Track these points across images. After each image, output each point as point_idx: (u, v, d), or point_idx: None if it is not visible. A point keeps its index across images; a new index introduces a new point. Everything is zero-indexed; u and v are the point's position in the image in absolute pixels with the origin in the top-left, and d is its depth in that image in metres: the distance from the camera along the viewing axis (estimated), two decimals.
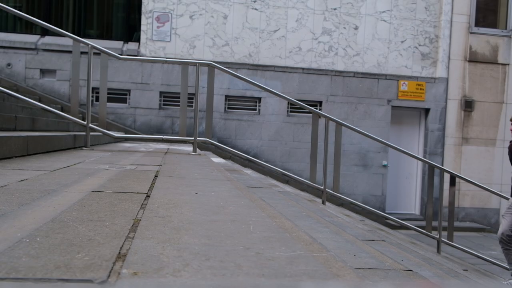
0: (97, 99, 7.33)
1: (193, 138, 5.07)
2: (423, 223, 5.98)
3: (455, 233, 5.69)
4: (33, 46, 8.07)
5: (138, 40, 8.49)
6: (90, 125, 4.75)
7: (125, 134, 7.49)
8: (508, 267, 4.61)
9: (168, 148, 5.95)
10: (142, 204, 1.69)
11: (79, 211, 1.49)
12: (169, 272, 0.91)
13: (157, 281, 0.86)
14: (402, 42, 9.00)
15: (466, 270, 4.52)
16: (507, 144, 9.27)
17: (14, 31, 8.52)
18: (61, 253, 0.99)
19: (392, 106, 8.94)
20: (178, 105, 6.21)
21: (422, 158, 6.40)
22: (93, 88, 5.41)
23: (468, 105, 9.16)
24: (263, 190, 2.90)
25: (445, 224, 5.59)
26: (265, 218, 1.63)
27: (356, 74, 8.85)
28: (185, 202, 1.81)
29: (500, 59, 9.29)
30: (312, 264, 1.05)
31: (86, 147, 4.72)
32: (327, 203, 5.50)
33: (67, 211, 1.48)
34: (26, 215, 1.38)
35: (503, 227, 4.50)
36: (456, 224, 7.58)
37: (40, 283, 0.81)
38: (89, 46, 4.73)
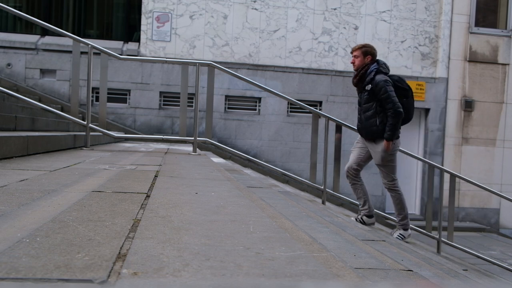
0: (97, 99, 7.32)
1: (193, 138, 5.07)
2: (423, 223, 5.98)
3: (455, 233, 5.69)
4: (33, 46, 8.07)
5: (138, 40, 8.49)
6: (90, 125, 4.75)
7: (125, 134, 7.49)
8: (358, 202, 4.48)
9: (168, 148, 5.95)
10: (142, 204, 1.69)
11: (79, 211, 1.49)
12: (169, 272, 0.91)
13: (157, 281, 0.86)
14: (402, 42, 9.00)
15: (466, 270, 4.51)
16: (507, 144, 9.31)
17: (14, 31, 8.52)
18: (61, 253, 0.99)
19: None
20: (178, 105, 6.20)
21: (422, 158, 6.40)
22: (93, 88, 5.41)
23: (468, 105, 9.16)
24: (263, 190, 2.90)
25: (445, 224, 5.59)
26: (265, 218, 1.63)
27: None
28: (185, 202, 1.81)
29: (500, 59, 9.29)
30: (312, 264, 1.05)
31: (86, 147, 4.71)
32: (327, 203, 5.50)
33: (67, 211, 1.48)
34: (26, 215, 1.38)
35: (349, 161, 4.39)
36: (456, 224, 7.57)
37: (40, 283, 0.81)
38: (89, 46, 4.73)
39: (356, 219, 4.38)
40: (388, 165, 4.19)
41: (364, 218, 4.38)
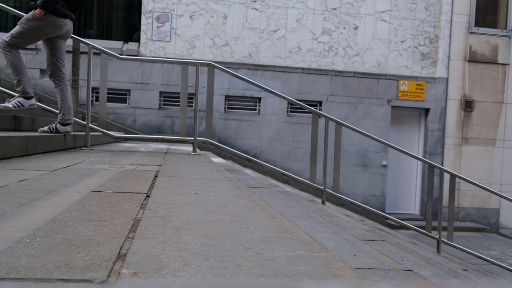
0: (97, 99, 7.32)
1: (193, 138, 5.07)
2: (423, 223, 5.98)
3: (455, 233, 5.69)
4: (33, 46, 8.05)
5: (138, 40, 8.49)
6: (90, 125, 4.75)
7: (125, 134, 7.49)
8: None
9: (168, 148, 5.94)
10: (142, 204, 1.69)
11: (79, 211, 1.49)
12: (169, 272, 0.91)
13: (157, 281, 0.86)
14: (402, 42, 9.00)
15: (466, 270, 4.51)
16: (507, 144, 9.31)
17: None
18: (61, 253, 0.99)
19: (392, 106, 8.94)
20: (178, 105, 6.21)
21: (422, 158, 6.40)
22: (93, 88, 5.40)
23: (468, 105, 9.16)
24: (263, 190, 2.90)
25: (445, 224, 5.60)
26: (265, 218, 1.63)
27: (356, 74, 8.85)
28: (185, 202, 1.81)
29: (500, 59, 9.29)
30: (312, 264, 1.05)
31: (86, 147, 4.72)
32: (327, 203, 5.51)
33: (67, 211, 1.48)
34: (26, 215, 1.38)
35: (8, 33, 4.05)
36: (456, 224, 7.58)
37: (40, 283, 0.81)
38: (89, 46, 4.73)
39: (49, 128, 4.16)
40: (21, 27, 3.90)
41: (58, 126, 4.20)
